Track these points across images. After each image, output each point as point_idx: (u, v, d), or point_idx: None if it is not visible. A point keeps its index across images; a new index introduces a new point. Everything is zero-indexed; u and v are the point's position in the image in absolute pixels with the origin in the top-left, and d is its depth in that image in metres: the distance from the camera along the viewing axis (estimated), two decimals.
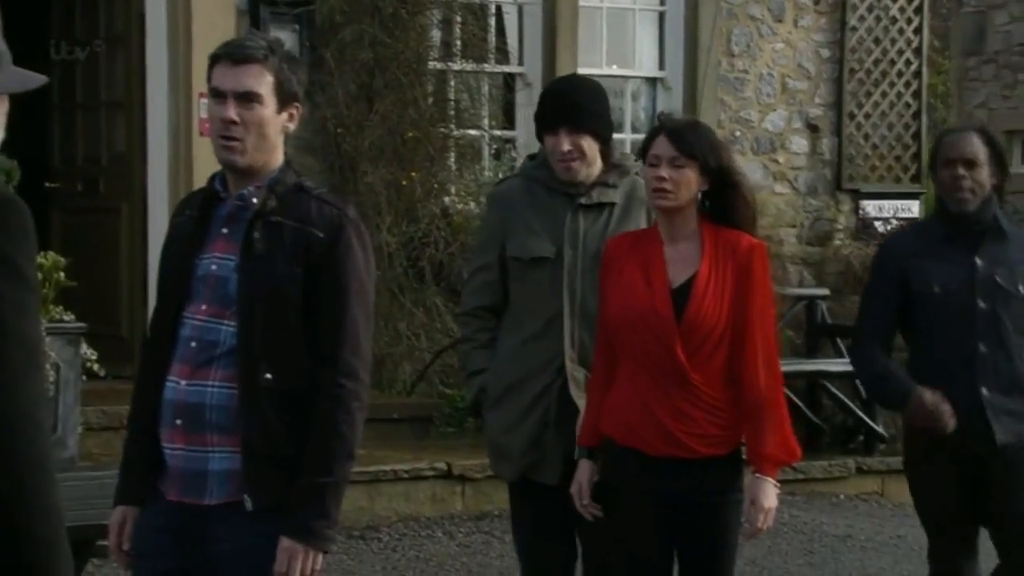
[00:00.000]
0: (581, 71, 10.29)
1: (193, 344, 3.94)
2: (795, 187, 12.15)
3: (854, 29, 12.21)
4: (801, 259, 12.15)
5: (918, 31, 12.45)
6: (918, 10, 12.42)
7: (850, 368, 11.12)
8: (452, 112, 10.84)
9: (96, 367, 8.39)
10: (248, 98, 3.92)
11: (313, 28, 10.32)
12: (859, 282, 12.01)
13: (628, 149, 10.44)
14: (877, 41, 12.31)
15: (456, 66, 10.85)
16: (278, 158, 4.02)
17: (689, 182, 4.79)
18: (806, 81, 12.14)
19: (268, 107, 3.94)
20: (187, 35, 9.92)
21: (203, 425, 3.91)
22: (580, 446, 5.00)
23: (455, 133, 10.79)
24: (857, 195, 12.28)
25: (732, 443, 4.82)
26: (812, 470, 10.35)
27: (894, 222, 12.25)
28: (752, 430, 4.79)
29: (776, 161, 12.07)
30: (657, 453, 4.77)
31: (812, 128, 12.16)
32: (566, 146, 5.14)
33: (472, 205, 10.63)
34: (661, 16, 11.82)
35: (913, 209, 12.43)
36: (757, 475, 4.79)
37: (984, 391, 5.47)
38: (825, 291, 11.74)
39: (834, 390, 11.18)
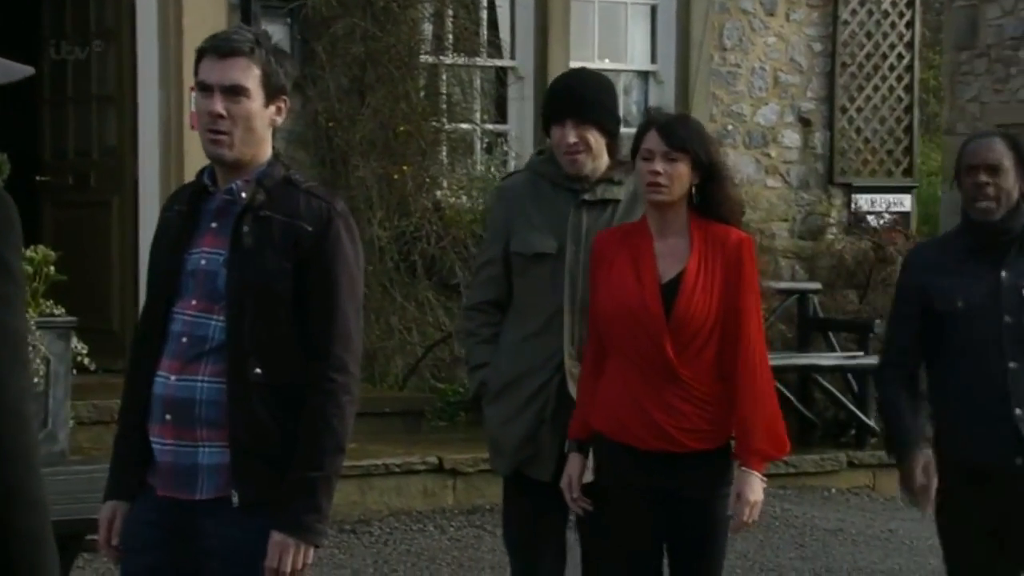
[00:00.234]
0: (573, 65, 10.28)
1: (183, 339, 3.93)
2: (787, 181, 12.15)
3: (846, 23, 12.22)
4: (793, 253, 12.15)
5: (910, 25, 12.46)
6: (910, 4, 12.43)
7: (842, 362, 11.27)
8: (444, 106, 10.83)
9: (87, 361, 8.39)
10: (235, 92, 3.91)
11: (304, 22, 10.32)
12: (851, 276, 12.04)
13: None
14: (869, 35, 12.32)
15: (448, 60, 10.84)
16: (266, 151, 4.01)
17: (682, 176, 4.79)
18: (798, 75, 12.14)
19: (255, 100, 3.93)
20: (178, 29, 9.91)
21: (193, 420, 3.90)
22: (570, 439, 4.99)
23: (447, 127, 10.78)
24: (849, 189, 12.29)
25: (722, 438, 4.82)
26: (803, 464, 10.35)
27: (886, 216, 12.26)
28: (741, 424, 4.79)
29: (768, 155, 12.07)
30: (647, 448, 4.77)
31: (804, 122, 12.16)
32: (572, 138, 5.13)
33: (464, 199, 10.63)
34: (653, 10, 11.82)
35: (905, 203, 12.44)
36: (743, 468, 4.79)
37: (1018, 411, 5.03)
38: (817, 285, 11.74)
39: (826, 384, 11.18)
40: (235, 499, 3.89)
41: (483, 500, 9.09)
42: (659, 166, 4.76)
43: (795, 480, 10.24)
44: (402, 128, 10.38)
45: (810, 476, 10.42)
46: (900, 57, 12.42)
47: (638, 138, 4.86)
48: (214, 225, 3.98)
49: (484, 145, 11.22)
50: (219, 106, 3.90)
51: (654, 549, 4.86)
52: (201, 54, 3.96)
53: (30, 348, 7.74)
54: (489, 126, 11.24)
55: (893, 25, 12.38)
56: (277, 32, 9.47)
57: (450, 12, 10.89)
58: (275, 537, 3.86)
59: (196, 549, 3.93)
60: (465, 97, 11.04)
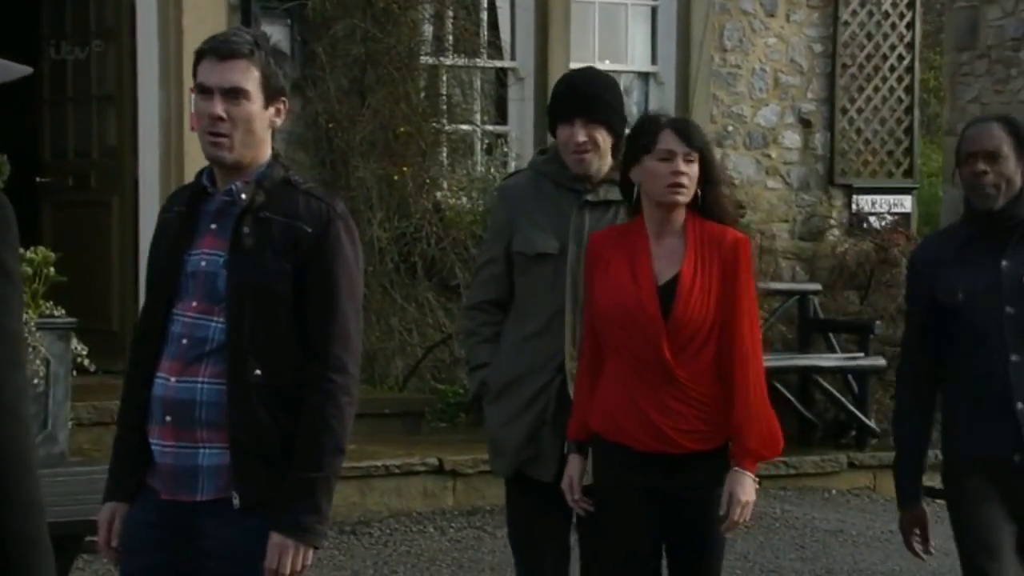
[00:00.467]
0: (573, 66, 10.26)
1: (184, 341, 3.93)
2: (788, 182, 12.14)
3: (846, 24, 12.21)
4: (794, 254, 12.14)
5: (910, 26, 12.45)
6: (910, 5, 12.42)
7: (842, 363, 11.27)
8: (444, 107, 10.83)
9: (87, 362, 8.39)
10: (235, 94, 3.91)
11: (305, 23, 10.31)
12: (852, 277, 12.03)
13: None
14: (869, 36, 12.31)
15: (448, 61, 10.84)
16: (266, 153, 4.01)
17: (695, 176, 4.79)
18: (798, 76, 12.13)
19: (255, 102, 3.93)
20: (178, 29, 9.91)
21: (193, 422, 3.90)
22: (569, 440, 4.99)
23: (447, 128, 10.77)
24: (850, 190, 12.28)
25: (719, 438, 4.82)
26: (804, 465, 10.34)
27: (887, 217, 12.25)
28: (737, 424, 4.78)
29: (768, 156, 12.07)
30: (645, 448, 4.77)
31: (804, 123, 12.15)
32: (581, 136, 5.11)
33: (464, 200, 10.62)
34: (653, 11, 11.81)
35: (906, 204, 12.43)
36: (736, 468, 4.78)
37: (1020, 406, 4.94)
38: (817, 286, 11.73)
39: (826, 385, 11.18)
40: (236, 500, 3.89)
41: (483, 501, 9.08)
42: (682, 166, 4.75)
43: (795, 481, 10.23)
44: (402, 129, 10.38)
45: (810, 477, 10.42)
46: (901, 58, 12.41)
47: (648, 137, 4.81)
48: (214, 226, 3.98)
49: (484, 146, 11.22)
50: (219, 108, 3.90)
51: (653, 550, 4.86)
52: (200, 56, 3.96)
53: (30, 349, 7.74)
54: (489, 127, 11.24)
55: (894, 26, 12.38)
56: (277, 33, 9.48)
57: (450, 13, 10.89)
58: (274, 538, 3.86)
59: (195, 550, 3.93)
60: (465, 98, 11.03)
